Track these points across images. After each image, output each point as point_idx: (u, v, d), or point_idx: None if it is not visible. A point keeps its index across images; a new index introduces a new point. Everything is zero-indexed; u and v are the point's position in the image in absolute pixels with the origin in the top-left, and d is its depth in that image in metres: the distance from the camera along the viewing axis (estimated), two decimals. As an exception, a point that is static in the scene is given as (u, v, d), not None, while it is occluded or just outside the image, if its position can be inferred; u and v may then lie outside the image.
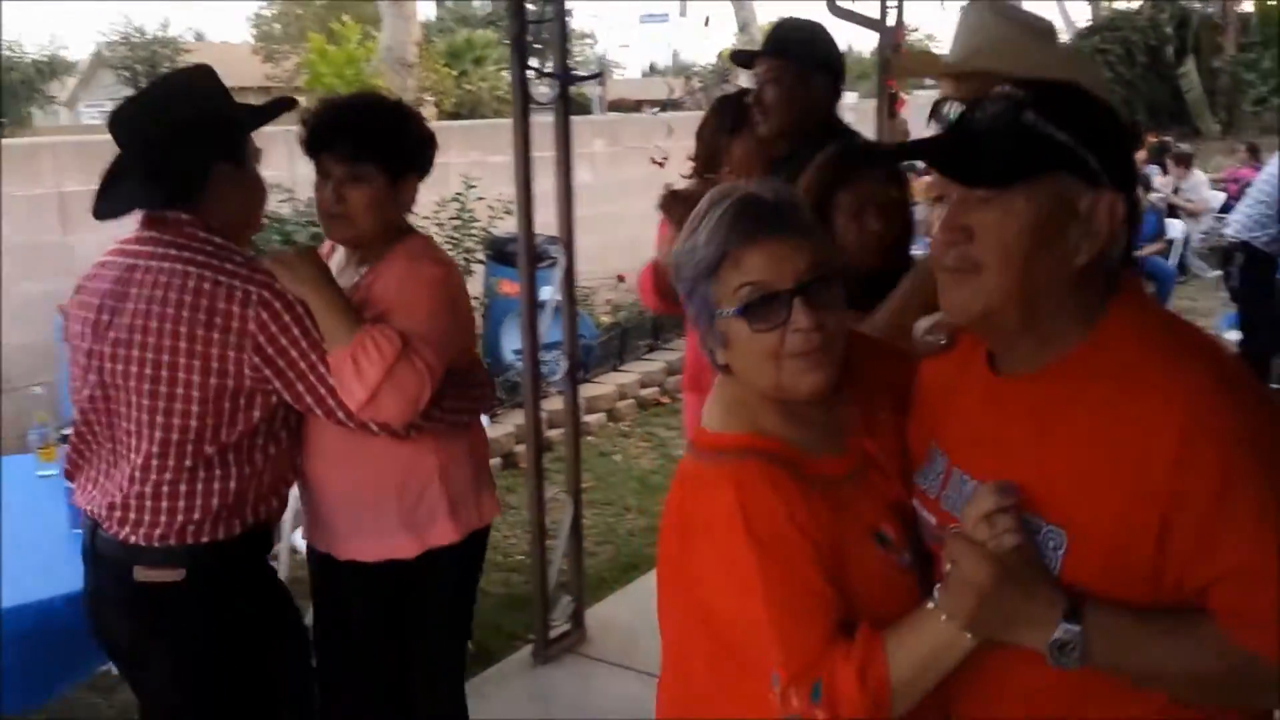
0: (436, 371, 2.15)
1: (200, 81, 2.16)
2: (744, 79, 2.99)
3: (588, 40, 27.84)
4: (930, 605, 1.27)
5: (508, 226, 6.06)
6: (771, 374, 1.39)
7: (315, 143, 2.26)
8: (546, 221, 3.72)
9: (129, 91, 4.79)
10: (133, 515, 2.06)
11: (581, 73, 4.46)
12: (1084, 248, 1.24)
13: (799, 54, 2.75)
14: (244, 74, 28.81)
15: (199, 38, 30.91)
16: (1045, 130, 1.23)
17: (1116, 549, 1.21)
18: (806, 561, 1.33)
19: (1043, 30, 2.33)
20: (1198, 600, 1.20)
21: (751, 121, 2.85)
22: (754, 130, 2.85)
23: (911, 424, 1.53)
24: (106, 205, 2.09)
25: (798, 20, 2.93)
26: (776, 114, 2.76)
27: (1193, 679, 1.23)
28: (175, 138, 2.05)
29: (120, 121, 2.10)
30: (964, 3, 2.85)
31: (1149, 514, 1.18)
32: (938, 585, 1.27)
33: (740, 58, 3.15)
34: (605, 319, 8.43)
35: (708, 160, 3.03)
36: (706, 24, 6.73)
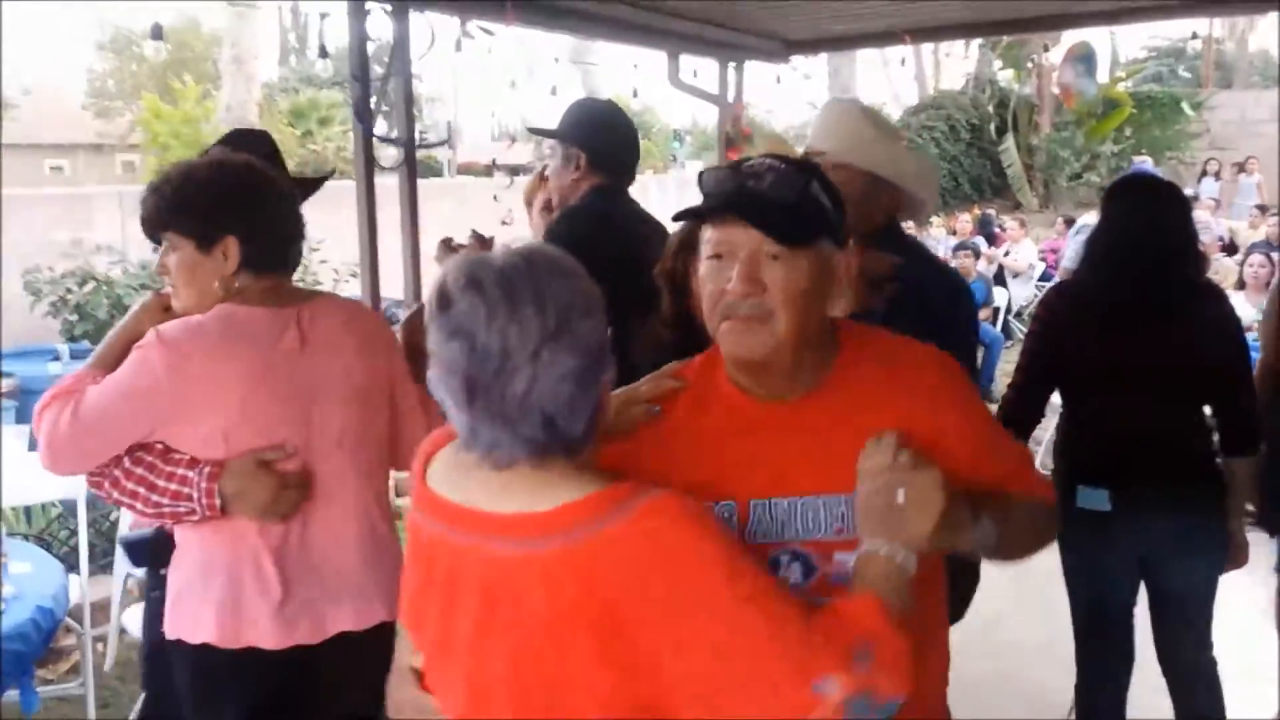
0: (71, 432, 2.00)
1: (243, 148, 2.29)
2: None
3: (438, 103, 27.77)
4: (863, 550, 1.35)
5: (353, 290, 5.96)
6: None
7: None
8: (396, 284, 3.68)
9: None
10: None
11: (430, 139, 4.45)
12: (838, 299, 1.49)
13: (566, 134, 2.94)
14: (75, 130, 27.74)
15: (26, 92, 29.51)
16: (823, 200, 1.47)
17: None
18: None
19: (894, 132, 2.59)
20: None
21: None
22: None
23: None
24: None
25: (584, 102, 3.08)
26: (551, 187, 3.07)
27: (1033, 525, 1.58)
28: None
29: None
30: (828, 101, 3.08)
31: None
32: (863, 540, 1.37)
33: (535, 131, 3.31)
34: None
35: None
36: (554, 93, 6.85)
